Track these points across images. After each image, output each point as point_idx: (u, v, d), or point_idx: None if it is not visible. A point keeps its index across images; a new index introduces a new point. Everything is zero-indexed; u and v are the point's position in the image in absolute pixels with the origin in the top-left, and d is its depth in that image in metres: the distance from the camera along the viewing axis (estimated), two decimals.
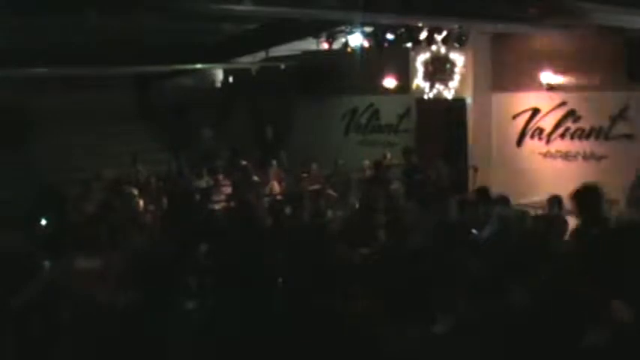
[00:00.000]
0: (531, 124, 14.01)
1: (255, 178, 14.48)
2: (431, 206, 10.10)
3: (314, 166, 15.21)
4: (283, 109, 20.00)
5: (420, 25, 12.53)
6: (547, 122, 13.78)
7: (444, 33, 13.04)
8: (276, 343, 5.43)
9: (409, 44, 13.58)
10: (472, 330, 5.38)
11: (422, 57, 14.90)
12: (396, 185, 13.74)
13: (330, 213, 11.38)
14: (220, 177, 14.64)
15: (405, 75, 15.67)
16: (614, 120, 12.73)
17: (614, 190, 12.12)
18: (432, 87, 14.85)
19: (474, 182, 13.98)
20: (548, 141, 13.77)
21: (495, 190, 10.75)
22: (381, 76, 17.08)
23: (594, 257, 4.98)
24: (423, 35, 12.85)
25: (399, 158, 14.55)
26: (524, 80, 13.95)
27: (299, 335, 5.51)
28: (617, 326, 4.50)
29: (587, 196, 6.58)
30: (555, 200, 10.06)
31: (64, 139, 17.41)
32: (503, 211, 9.49)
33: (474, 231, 9.14)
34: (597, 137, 13.03)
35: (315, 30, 13.24)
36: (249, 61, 17.76)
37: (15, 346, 5.66)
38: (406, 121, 16.49)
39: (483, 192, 10.51)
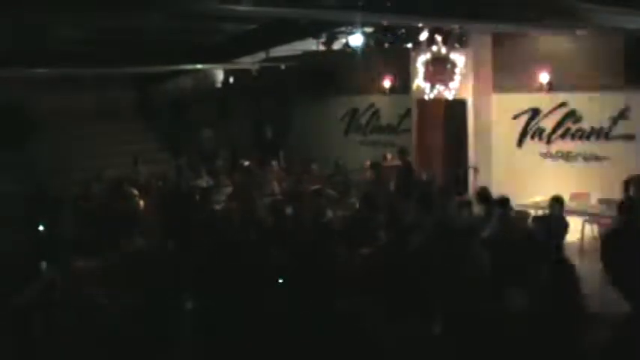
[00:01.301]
0: (532, 125, 14.00)
1: (258, 178, 14.52)
2: (431, 207, 10.10)
3: (314, 166, 15.23)
4: (283, 109, 20.01)
5: (421, 25, 12.53)
6: (547, 123, 13.76)
7: (445, 34, 13.05)
8: (276, 343, 5.43)
9: (409, 45, 13.58)
10: (471, 330, 5.38)
11: (422, 57, 14.90)
12: (393, 185, 13.79)
13: (330, 213, 11.37)
14: (220, 177, 14.64)
15: (405, 75, 15.66)
16: (614, 120, 12.72)
17: (615, 191, 12.16)
18: (432, 87, 14.84)
19: (474, 183, 13.99)
20: (548, 141, 13.76)
21: (496, 191, 10.75)
22: (382, 77, 17.09)
23: None
24: (424, 36, 12.86)
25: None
26: (525, 81, 13.94)
27: (299, 334, 5.52)
28: None
29: None
30: (556, 201, 10.07)
31: (64, 140, 17.41)
32: (504, 212, 9.50)
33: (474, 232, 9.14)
34: (598, 138, 13.02)
35: (315, 30, 13.23)
36: (249, 61, 17.75)
37: (15, 346, 5.66)
38: (407, 121, 16.49)
39: (484, 192, 10.52)
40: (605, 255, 2.40)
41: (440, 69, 14.68)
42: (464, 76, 14.37)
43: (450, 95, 14.64)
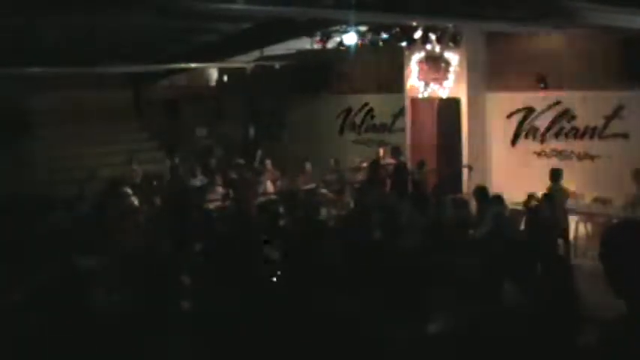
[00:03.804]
0: (526, 124, 14.01)
1: (252, 177, 14.54)
2: (426, 206, 10.12)
3: (308, 165, 15.24)
4: (278, 108, 20.02)
5: (415, 24, 12.55)
6: (541, 121, 13.78)
7: (439, 32, 13.07)
8: (270, 342, 5.43)
9: (404, 43, 13.59)
10: (467, 329, 5.38)
11: (416, 56, 14.91)
12: (388, 185, 13.83)
13: (324, 212, 11.39)
14: (215, 176, 14.64)
15: (399, 74, 15.66)
16: (608, 119, 12.73)
17: (609, 189, 12.20)
18: (426, 86, 14.85)
19: (468, 181, 14.00)
20: (542, 140, 13.77)
21: (490, 190, 10.77)
22: (376, 76, 17.09)
23: None
24: (418, 34, 12.87)
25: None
26: (519, 79, 13.95)
27: (293, 333, 5.52)
28: None
29: None
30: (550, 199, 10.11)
31: (59, 139, 17.41)
32: (498, 211, 9.53)
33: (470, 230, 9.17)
34: (592, 136, 13.03)
35: (309, 29, 13.23)
36: (243, 60, 17.75)
37: (10, 345, 5.64)
38: (400, 120, 16.49)
39: (482, 191, 10.54)
40: (605, 253, 2.38)
41: (434, 68, 14.68)
42: (458, 74, 14.37)
43: (443, 94, 14.65)
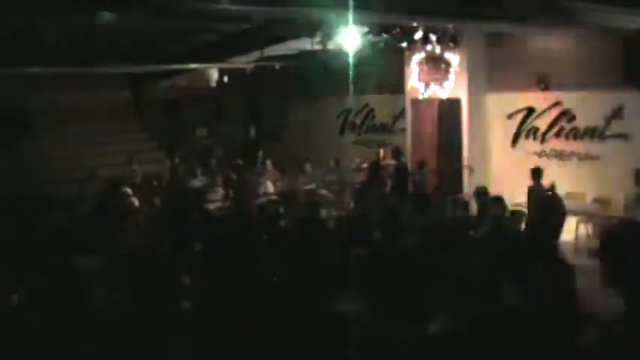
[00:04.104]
0: (526, 124, 14.01)
1: (252, 177, 14.54)
2: (426, 206, 10.11)
3: (308, 165, 15.25)
4: (278, 108, 20.01)
5: (415, 25, 12.54)
6: (542, 122, 13.78)
7: (439, 33, 13.07)
8: (269, 343, 5.42)
9: (404, 44, 13.58)
10: (467, 329, 5.38)
11: (417, 57, 14.89)
12: (389, 185, 13.82)
13: (324, 212, 11.38)
14: (215, 176, 14.64)
15: (400, 75, 15.65)
16: (608, 120, 12.74)
17: (609, 189, 12.20)
18: (426, 87, 14.84)
19: (469, 182, 13.99)
20: (542, 141, 13.78)
21: (490, 190, 10.77)
22: (376, 76, 17.08)
23: None
24: (418, 35, 12.87)
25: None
26: (519, 80, 13.95)
27: (293, 333, 5.51)
28: None
29: None
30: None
31: (59, 139, 17.41)
32: (498, 211, 9.52)
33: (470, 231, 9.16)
34: (592, 137, 13.04)
35: (310, 29, 13.22)
36: (243, 60, 17.74)
37: (10, 345, 5.63)
38: (401, 121, 16.49)
39: (482, 192, 10.54)
40: (605, 253, 2.38)
41: (434, 68, 14.67)
42: (458, 75, 14.36)
43: (444, 95, 14.64)
